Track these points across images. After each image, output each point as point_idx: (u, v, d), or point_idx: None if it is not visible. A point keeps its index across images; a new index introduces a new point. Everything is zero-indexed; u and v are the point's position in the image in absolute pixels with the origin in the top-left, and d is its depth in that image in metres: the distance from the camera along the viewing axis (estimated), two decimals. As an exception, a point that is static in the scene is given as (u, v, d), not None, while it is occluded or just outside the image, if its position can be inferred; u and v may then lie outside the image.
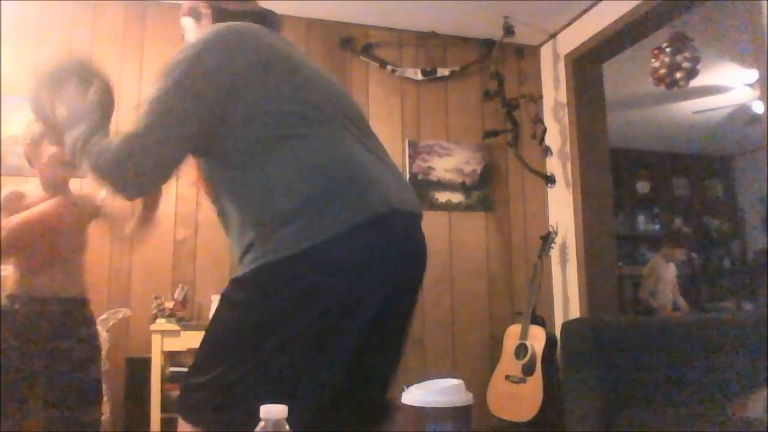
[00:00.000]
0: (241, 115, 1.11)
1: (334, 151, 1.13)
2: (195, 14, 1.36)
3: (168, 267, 2.99)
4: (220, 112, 1.11)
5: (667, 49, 3.36)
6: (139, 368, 2.71)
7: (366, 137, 1.25)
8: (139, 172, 1.10)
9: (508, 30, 3.41)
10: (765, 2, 2.40)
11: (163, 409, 2.56)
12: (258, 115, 1.11)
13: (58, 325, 2.04)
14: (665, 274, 4.87)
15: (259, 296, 1.09)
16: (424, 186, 3.44)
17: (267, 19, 1.33)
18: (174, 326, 2.68)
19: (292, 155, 1.10)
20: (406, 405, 1.27)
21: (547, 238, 3.34)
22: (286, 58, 1.20)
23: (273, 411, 0.79)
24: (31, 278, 2.03)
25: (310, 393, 1.08)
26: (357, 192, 1.09)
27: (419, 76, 3.54)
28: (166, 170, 1.14)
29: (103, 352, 2.34)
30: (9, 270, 2.10)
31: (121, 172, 1.10)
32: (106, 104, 1.23)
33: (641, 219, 6.27)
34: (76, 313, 2.11)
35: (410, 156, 3.46)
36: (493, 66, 3.47)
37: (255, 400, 0.89)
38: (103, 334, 2.55)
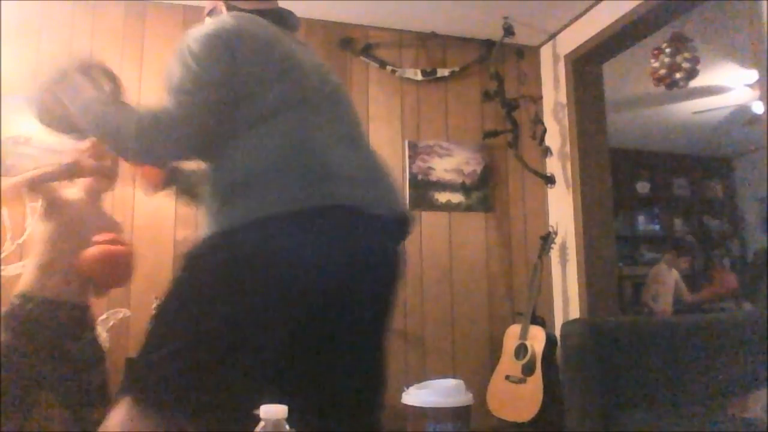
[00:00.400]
0: (236, 95, 1.15)
1: (297, 141, 1.14)
2: (215, 14, 1.41)
3: (168, 267, 2.99)
4: (225, 94, 1.16)
5: (667, 50, 3.36)
6: (139, 368, 2.71)
7: (348, 134, 1.25)
8: (166, 141, 1.16)
9: (508, 30, 3.41)
10: (765, 2, 2.40)
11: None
12: (245, 96, 1.15)
13: (65, 327, 2.07)
14: (667, 280, 4.87)
15: (195, 273, 1.12)
16: (424, 186, 3.44)
17: (283, 18, 1.36)
18: (174, 326, 2.68)
19: (258, 140, 1.13)
20: (406, 405, 1.27)
21: (547, 238, 3.34)
22: (279, 48, 1.22)
23: (273, 411, 0.79)
24: (47, 280, 2.06)
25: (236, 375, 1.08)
26: (302, 181, 1.10)
27: (419, 77, 3.54)
28: (188, 142, 1.18)
29: (103, 353, 2.36)
30: (21, 268, 2.14)
31: (150, 140, 1.15)
32: (118, 91, 1.31)
33: (641, 219, 6.27)
34: (82, 318, 2.15)
35: (410, 156, 3.46)
36: (492, 66, 3.47)
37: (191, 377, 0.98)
38: (103, 335, 2.55)
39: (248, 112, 1.15)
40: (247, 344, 1.07)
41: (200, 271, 1.10)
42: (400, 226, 1.26)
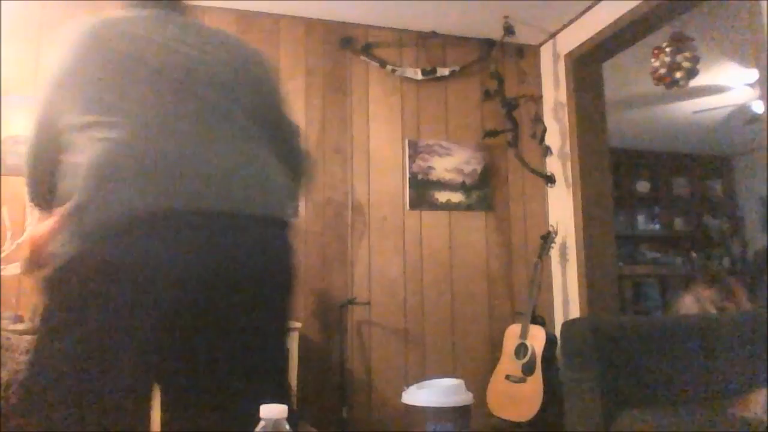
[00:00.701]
0: (60, 119, 1.15)
1: (132, 147, 1.08)
2: None
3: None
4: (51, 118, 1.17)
5: (667, 49, 3.36)
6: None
7: (208, 134, 1.16)
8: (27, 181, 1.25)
9: (508, 30, 3.42)
10: (765, 2, 2.40)
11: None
12: (60, 121, 1.14)
13: None
14: (693, 310, 4.79)
15: (54, 300, 1.10)
16: (424, 185, 3.44)
17: (169, 3, 1.32)
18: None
19: (71, 162, 1.10)
20: (406, 405, 1.26)
21: (547, 238, 3.34)
22: (131, 48, 1.17)
23: (273, 411, 0.78)
24: None
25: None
26: (134, 188, 1.05)
27: (419, 76, 3.54)
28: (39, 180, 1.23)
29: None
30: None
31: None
32: None
33: (641, 219, 6.27)
34: None
35: (410, 156, 3.46)
36: (493, 66, 3.47)
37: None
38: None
39: (77, 122, 1.11)
40: (119, 365, 1.04)
41: (59, 298, 1.07)
42: (263, 225, 1.17)
